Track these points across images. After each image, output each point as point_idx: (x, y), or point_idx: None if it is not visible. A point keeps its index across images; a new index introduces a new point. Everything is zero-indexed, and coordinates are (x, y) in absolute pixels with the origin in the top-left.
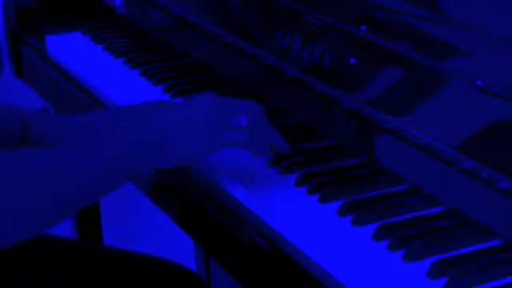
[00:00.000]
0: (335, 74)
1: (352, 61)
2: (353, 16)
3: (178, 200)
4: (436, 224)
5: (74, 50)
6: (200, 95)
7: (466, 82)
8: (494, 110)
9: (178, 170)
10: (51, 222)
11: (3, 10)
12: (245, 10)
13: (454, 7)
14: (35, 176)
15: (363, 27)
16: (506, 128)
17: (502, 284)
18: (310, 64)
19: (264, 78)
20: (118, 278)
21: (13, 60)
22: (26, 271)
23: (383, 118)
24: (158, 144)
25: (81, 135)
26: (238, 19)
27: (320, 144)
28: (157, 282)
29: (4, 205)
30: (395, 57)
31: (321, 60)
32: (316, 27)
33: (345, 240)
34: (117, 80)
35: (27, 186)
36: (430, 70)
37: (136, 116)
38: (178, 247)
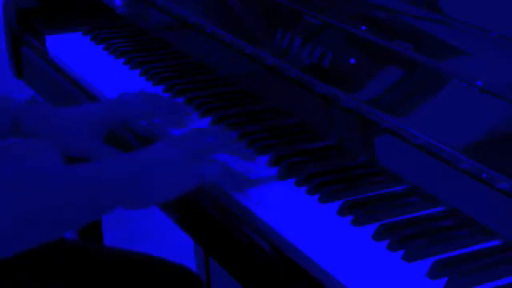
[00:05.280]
0: (335, 74)
1: (352, 61)
2: (353, 16)
3: (177, 200)
4: (436, 224)
5: (74, 50)
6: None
7: (466, 81)
8: (494, 110)
9: None
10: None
11: (3, 9)
12: (245, 10)
13: (454, 7)
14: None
15: (363, 27)
16: (506, 128)
17: (502, 284)
18: (310, 64)
19: (264, 78)
20: (118, 279)
21: (13, 60)
22: (26, 271)
23: (383, 118)
24: (133, 183)
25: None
26: (238, 19)
27: (320, 144)
28: (157, 282)
29: None
30: (395, 57)
31: (321, 60)
32: (316, 27)
33: (345, 240)
34: (117, 80)
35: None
36: (430, 69)
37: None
38: (178, 247)
